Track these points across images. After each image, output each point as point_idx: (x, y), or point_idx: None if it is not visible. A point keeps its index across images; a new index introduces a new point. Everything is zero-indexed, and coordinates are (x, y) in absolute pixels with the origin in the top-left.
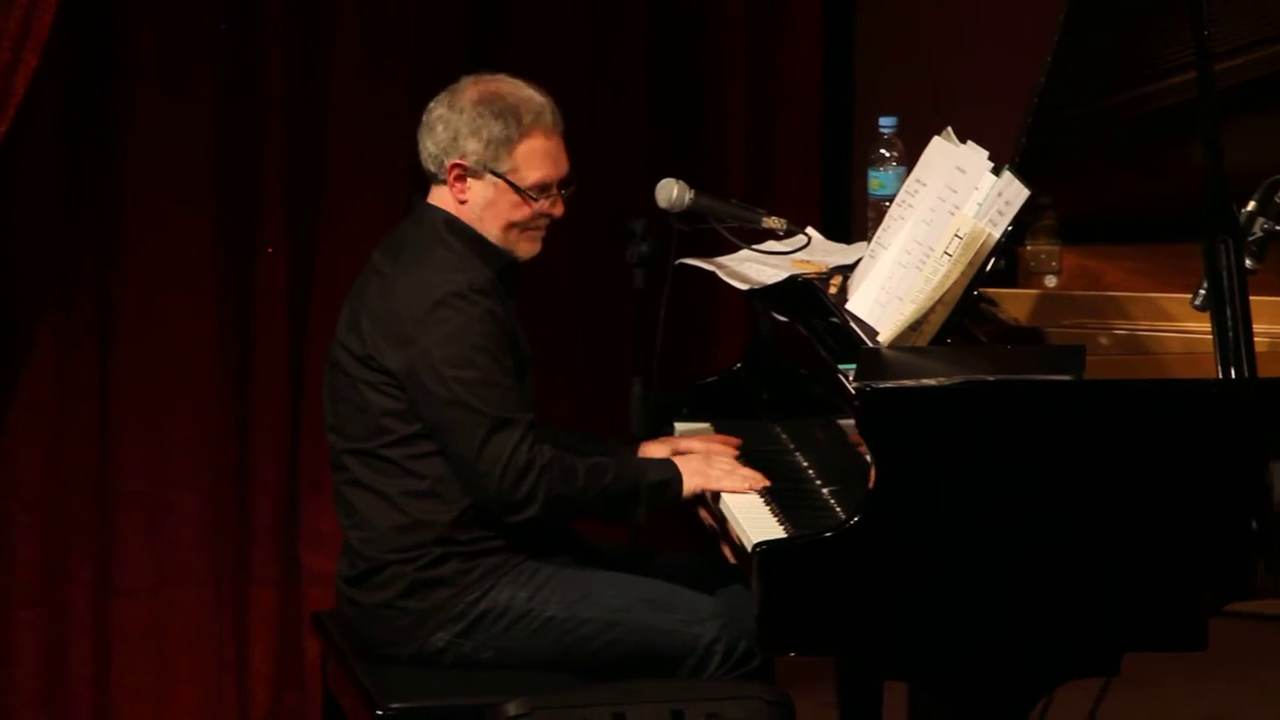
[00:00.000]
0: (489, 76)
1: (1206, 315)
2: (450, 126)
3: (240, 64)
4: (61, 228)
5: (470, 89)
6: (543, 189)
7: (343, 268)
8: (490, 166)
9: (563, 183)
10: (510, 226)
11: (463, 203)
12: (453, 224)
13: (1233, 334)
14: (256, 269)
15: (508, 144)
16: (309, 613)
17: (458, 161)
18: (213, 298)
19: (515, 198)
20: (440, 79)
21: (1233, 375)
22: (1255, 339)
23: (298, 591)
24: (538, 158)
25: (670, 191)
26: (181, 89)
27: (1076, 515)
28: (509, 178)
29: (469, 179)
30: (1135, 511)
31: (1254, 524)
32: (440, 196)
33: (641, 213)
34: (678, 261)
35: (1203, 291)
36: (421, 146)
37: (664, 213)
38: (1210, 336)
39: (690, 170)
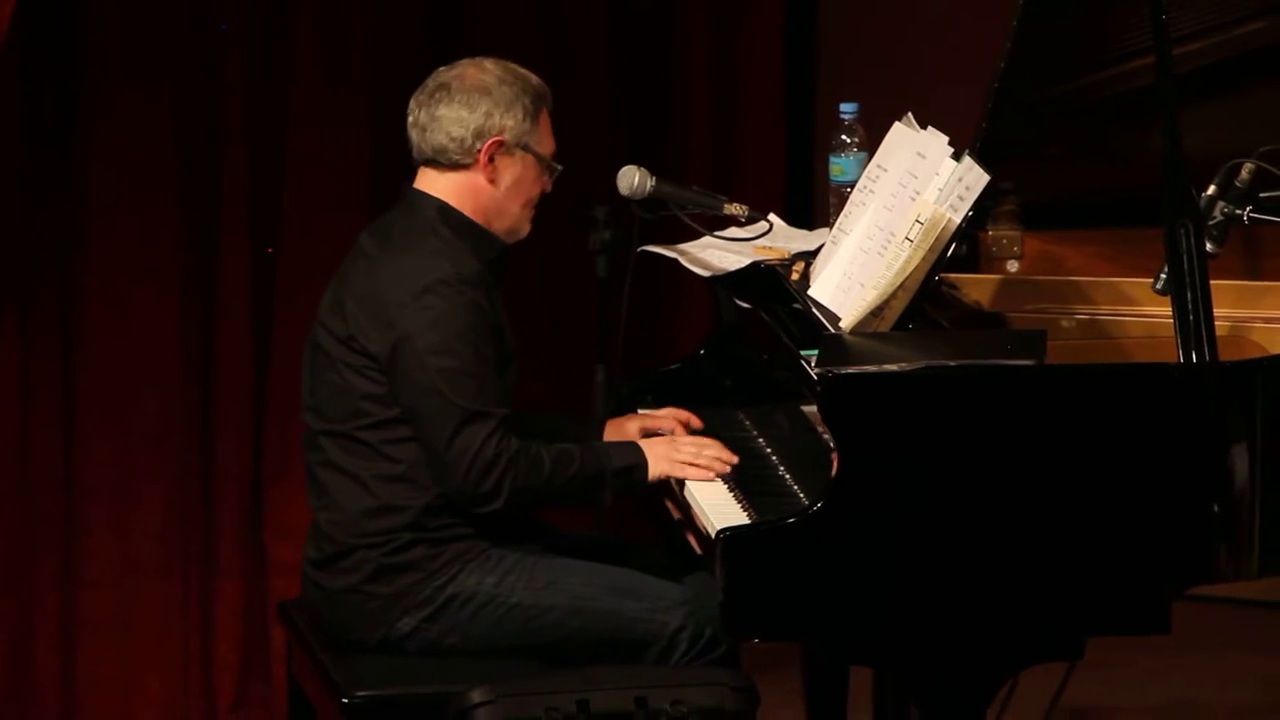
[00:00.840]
0: (478, 59)
1: (1168, 299)
2: (479, 108)
3: (202, 55)
4: (24, 220)
5: (477, 71)
6: (556, 160)
7: (305, 260)
8: (523, 141)
9: (569, 176)
10: (527, 203)
11: (493, 182)
12: (446, 212)
13: (1194, 318)
14: (219, 261)
15: (534, 116)
16: (275, 602)
17: (497, 139)
18: (176, 290)
19: (538, 170)
20: (402, 71)
21: (1194, 359)
22: (1216, 323)
23: (263, 582)
24: (549, 127)
25: (631, 179)
26: (143, 81)
27: (1039, 499)
28: (536, 150)
29: (501, 157)
30: (1097, 495)
31: (1216, 508)
32: (434, 183)
33: (603, 200)
34: (640, 249)
35: (1164, 275)
36: (436, 135)
37: (626, 200)
38: (1171, 320)
39: (653, 157)
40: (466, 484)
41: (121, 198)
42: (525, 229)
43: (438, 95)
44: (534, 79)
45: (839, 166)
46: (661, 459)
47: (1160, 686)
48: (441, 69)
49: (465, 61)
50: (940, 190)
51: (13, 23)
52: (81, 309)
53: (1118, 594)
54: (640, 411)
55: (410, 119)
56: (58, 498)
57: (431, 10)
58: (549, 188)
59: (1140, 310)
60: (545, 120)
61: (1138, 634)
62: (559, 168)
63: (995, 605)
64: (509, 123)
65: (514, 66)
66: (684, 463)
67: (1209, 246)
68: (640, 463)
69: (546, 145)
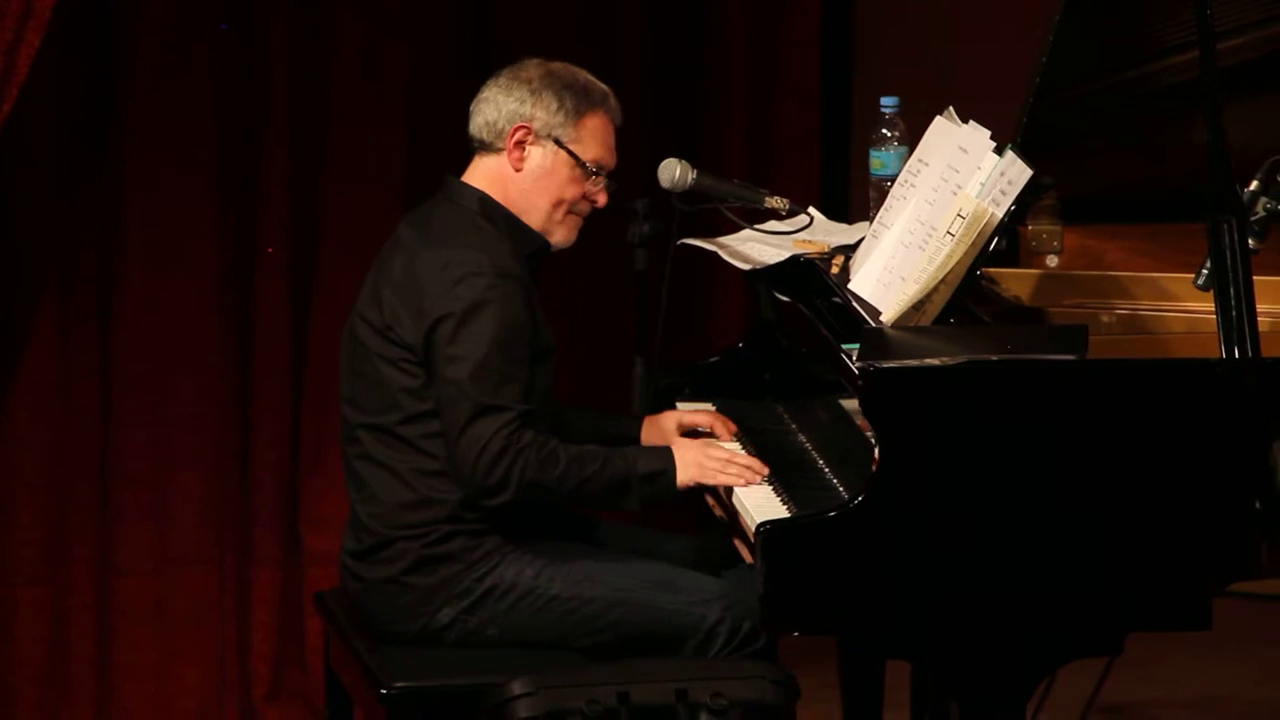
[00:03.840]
0: (549, 60)
1: (1209, 295)
2: (515, 94)
3: (243, 41)
4: (63, 207)
5: (537, 65)
6: (599, 168)
7: (344, 248)
8: (555, 134)
9: (611, 174)
10: (558, 204)
11: (518, 170)
12: (487, 203)
13: (1236, 314)
14: (258, 251)
15: (575, 114)
16: (310, 592)
17: (523, 124)
18: (214, 277)
19: (571, 170)
20: (437, 67)
21: (1236, 355)
22: (1259, 319)
23: (299, 571)
24: (599, 135)
25: (673, 171)
26: (183, 68)
27: (1079, 495)
28: (571, 147)
29: (529, 146)
30: (1138, 491)
31: (1257, 504)
32: (479, 174)
33: (643, 193)
34: (679, 242)
35: (1205, 271)
36: (477, 118)
37: (666, 193)
38: (1213, 316)
39: (691, 151)
40: (475, 475)
41: (160, 185)
42: (561, 236)
43: (490, 81)
44: (594, 85)
45: (879, 160)
46: (691, 465)
47: (1198, 683)
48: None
49: (535, 59)
50: (982, 185)
51: (54, 9)
52: (119, 297)
53: (1159, 590)
54: (678, 405)
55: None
56: (94, 486)
57: (469, 2)
58: (599, 200)
59: (1181, 306)
60: (593, 124)
61: (1178, 630)
62: (596, 173)
63: (1035, 600)
64: (539, 112)
65: (576, 70)
66: (714, 470)
67: (1251, 242)
68: (668, 468)
69: (589, 150)
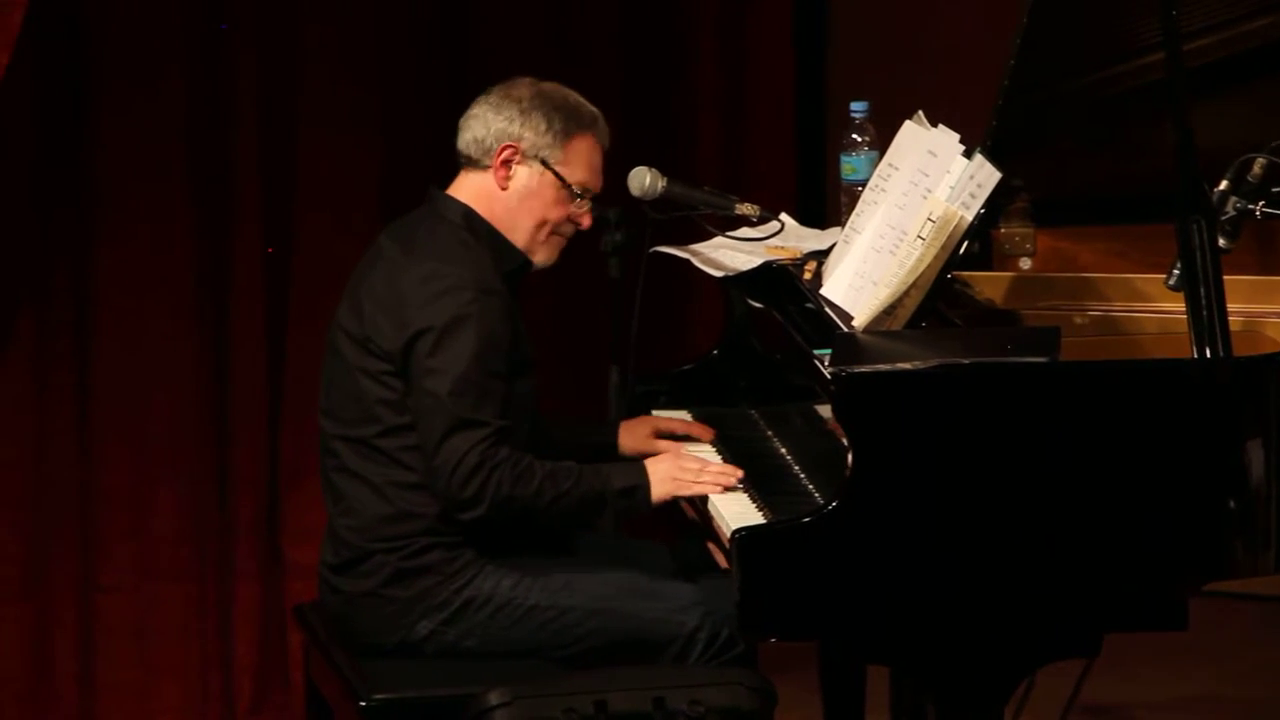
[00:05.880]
0: (540, 80)
1: (1181, 295)
2: (505, 113)
3: (212, 59)
4: (37, 226)
5: (528, 85)
6: (584, 190)
7: (319, 262)
8: (542, 155)
9: (595, 197)
10: (542, 224)
11: (504, 189)
12: (471, 218)
13: (1207, 313)
14: (233, 265)
15: (564, 136)
16: (291, 606)
17: (510, 144)
18: (190, 293)
19: (556, 192)
20: (409, 77)
21: (1208, 355)
22: (1229, 318)
23: (280, 585)
24: (586, 158)
25: (643, 179)
26: (154, 86)
27: (1054, 497)
28: (557, 169)
29: (515, 165)
30: (1113, 492)
31: (1231, 503)
32: (464, 189)
33: (615, 201)
34: (652, 250)
35: (1176, 271)
36: (465, 133)
37: (637, 201)
38: (1185, 316)
39: (664, 158)
40: (450, 489)
41: (133, 202)
42: (544, 255)
43: (481, 98)
44: (584, 107)
45: (850, 165)
46: (665, 480)
47: (1177, 683)
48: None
49: (527, 78)
50: (952, 188)
51: (22, 26)
52: (95, 314)
53: (1134, 590)
54: (654, 414)
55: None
56: (74, 504)
57: (439, 8)
58: (582, 222)
59: (1154, 306)
60: (580, 147)
61: (1155, 630)
62: (581, 196)
63: (1010, 603)
64: (527, 132)
65: (568, 92)
66: (688, 482)
67: (1222, 241)
68: (642, 483)
69: (576, 172)
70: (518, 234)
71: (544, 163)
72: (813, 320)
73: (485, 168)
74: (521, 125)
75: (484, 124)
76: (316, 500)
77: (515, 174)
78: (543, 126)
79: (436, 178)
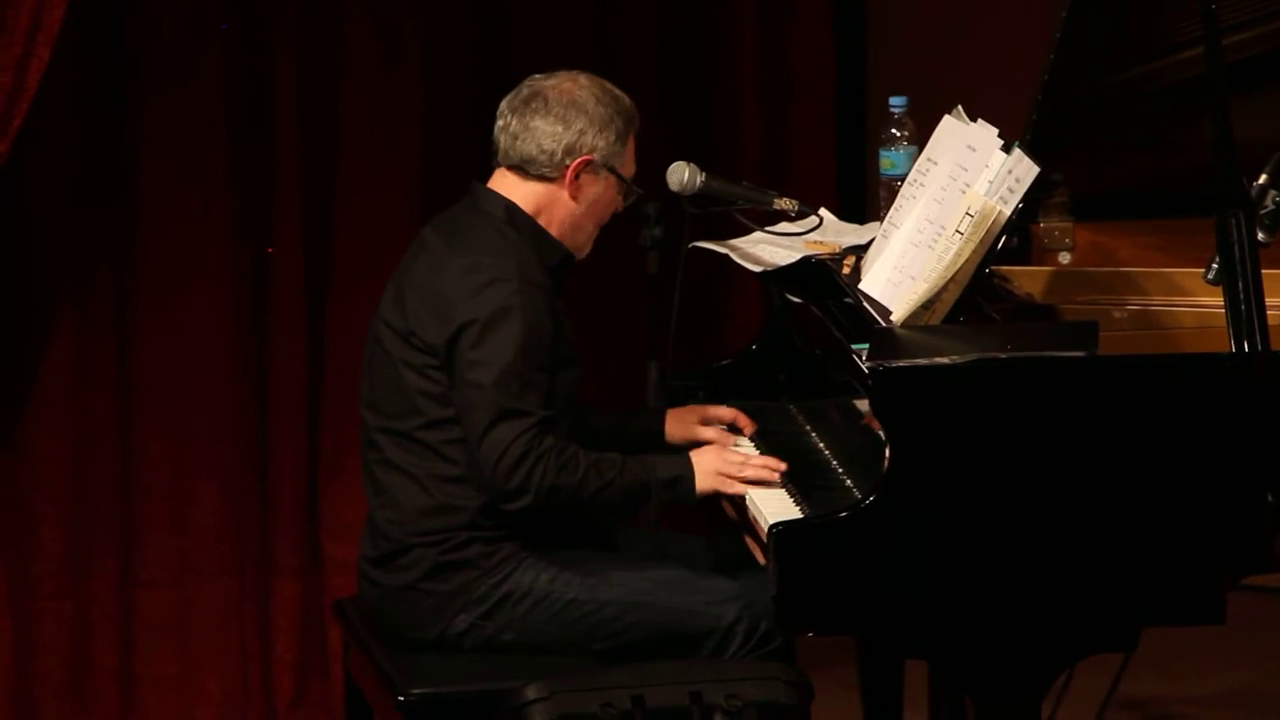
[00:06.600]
0: (574, 73)
1: (1219, 289)
2: (573, 124)
3: (252, 54)
4: (78, 221)
5: (585, 88)
6: (633, 182)
7: (359, 256)
8: (611, 163)
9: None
10: (600, 223)
11: (574, 198)
12: (514, 213)
13: (1245, 308)
14: (272, 258)
15: (623, 140)
16: (331, 601)
17: (586, 158)
18: (230, 288)
19: (618, 191)
20: (451, 72)
21: (1246, 349)
22: (1268, 312)
23: (320, 580)
24: (633, 152)
25: (681, 175)
26: (194, 80)
27: (1092, 491)
28: (620, 171)
29: (585, 175)
30: (1151, 486)
31: (1270, 497)
32: (511, 187)
33: (654, 196)
34: (691, 245)
35: (1215, 265)
36: (526, 144)
37: (675, 196)
38: (1223, 311)
39: (703, 153)
40: (495, 479)
41: (174, 198)
42: (588, 248)
43: (534, 105)
44: (626, 100)
45: (889, 160)
46: (709, 474)
47: (1214, 677)
48: (536, 76)
49: (561, 74)
50: (990, 183)
51: (62, 23)
52: (136, 309)
53: (1172, 585)
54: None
55: (500, 123)
56: (115, 498)
57: (482, 2)
58: (621, 208)
59: (1192, 300)
60: (632, 145)
61: (1192, 624)
62: (638, 191)
63: (1048, 597)
64: (600, 143)
65: (608, 85)
66: (732, 477)
67: (1260, 236)
68: (687, 474)
69: (630, 168)
70: (579, 235)
71: (610, 169)
72: (851, 315)
73: (552, 179)
74: (595, 136)
75: (553, 138)
76: (356, 495)
77: (584, 182)
78: (612, 136)
79: (478, 171)
